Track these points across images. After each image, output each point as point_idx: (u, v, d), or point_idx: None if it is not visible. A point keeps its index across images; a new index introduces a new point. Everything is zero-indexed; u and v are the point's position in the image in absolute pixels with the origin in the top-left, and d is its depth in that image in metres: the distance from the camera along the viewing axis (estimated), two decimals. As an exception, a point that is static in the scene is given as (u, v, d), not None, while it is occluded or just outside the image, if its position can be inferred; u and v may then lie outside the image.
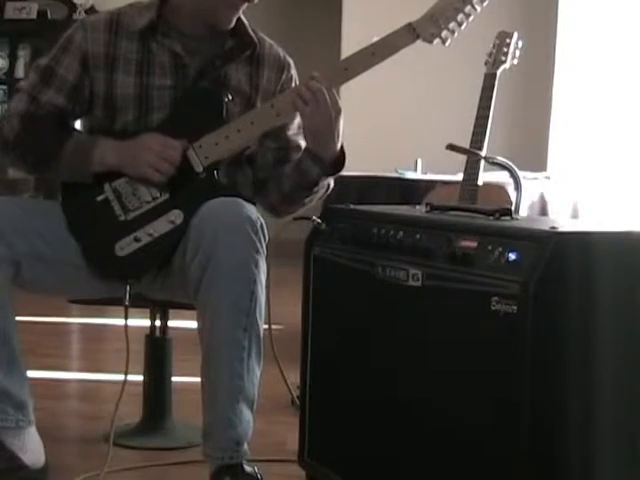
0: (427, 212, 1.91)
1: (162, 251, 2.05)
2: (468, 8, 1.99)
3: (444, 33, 1.99)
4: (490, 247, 1.62)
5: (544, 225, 1.65)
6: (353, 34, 5.48)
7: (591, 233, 1.65)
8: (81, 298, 2.36)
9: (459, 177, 2.78)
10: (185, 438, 2.41)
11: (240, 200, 1.99)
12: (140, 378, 2.46)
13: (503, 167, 2.72)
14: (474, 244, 1.65)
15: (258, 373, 1.98)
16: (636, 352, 1.61)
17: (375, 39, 2.00)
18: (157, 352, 2.49)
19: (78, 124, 2.30)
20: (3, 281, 1.96)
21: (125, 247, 2.04)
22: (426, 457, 1.74)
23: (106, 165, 2.07)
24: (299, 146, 2.18)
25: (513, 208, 2.72)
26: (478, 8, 1.99)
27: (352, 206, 2.05)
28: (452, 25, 1.99)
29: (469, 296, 1.62)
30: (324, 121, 1.98)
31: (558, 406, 1.54)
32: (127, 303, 2.04)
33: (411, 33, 1.99)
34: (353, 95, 5.28)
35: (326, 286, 2.01)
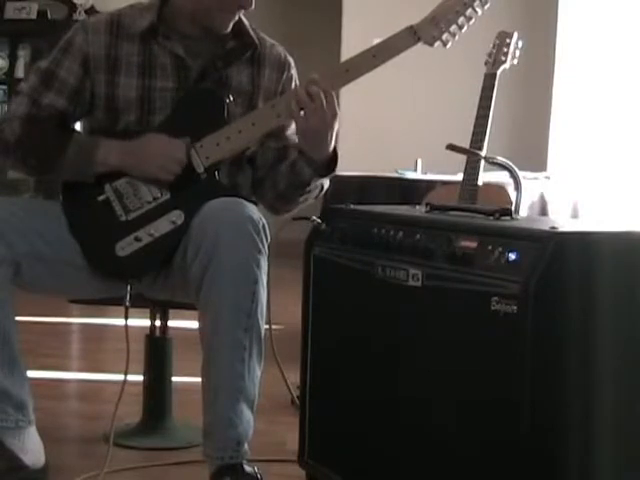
0: (427, 212, 1.91)
1: (163, 251, 2.05)
2: (469, 11, 1.99)
3: (445, 36, 2.00)
4: (490, 247, 1.62)
5: (544, 225, 1.65)
6: (353, 35, 5.48)
7: (591, 233, 1.65)
8: (81, 298, 2.36)
9: (459, 177, 2.78)
10: (185, 438, 2.41)
11: (242, 200, 1.99)
12: (140, 378, 2.46)
13: (503, 167, 2.72)
14: (474, 244, 1.65)
15: (259, 373, 1.99)
16: (636, 352, 1.61)
17: (376, 41, 2.01)
18: (157, 352, 2.49)
19: (78, 126, 2.30)
20: (3, 281, 1.96)
21: (126, 247, 2.04)
22: (426, 457, 1.74)
23: (109, 166, 2.07)
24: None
25: (513, 208, 2.72)
26: (479, 11, 2.00)
27: (352, 206, 2.05)
28: (453, 28, 1.99)
29: (469, 296, 1.62)
30: (319, 125, 1.99)
31: (558, 406, 1.54)
32: (127, 303, 2.05)
33: (412, 36, 1.99)
34: (353, 95, 5.29)
35: (326, 286, 2.01)
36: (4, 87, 6.16)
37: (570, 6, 5.24)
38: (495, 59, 2.73)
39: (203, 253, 1.91)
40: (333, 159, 2.08)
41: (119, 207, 2.07)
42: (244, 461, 1.98)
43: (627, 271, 1.60)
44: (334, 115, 1.99)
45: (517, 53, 2.73)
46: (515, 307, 1.53)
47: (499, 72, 2.72)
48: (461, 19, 1.99)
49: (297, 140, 2.16)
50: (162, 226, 2.04)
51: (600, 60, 5.07)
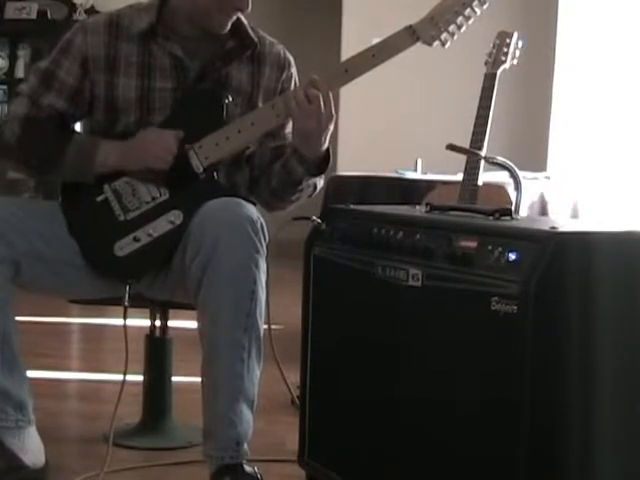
0: (427, 212, 1.91)
1: (161, 251, 2.05)
2: (468, 11, 1.99)
3: (444, 35, 2.00)
4: (490, 247, 1.62)
5: (544, 225, 1.65)
6: (353, 34, 5.49)
7: (591, 233, 1.64)
8: (81, 298, 2.36)
9: (459, 177, 2.78)
10: (185, 438, 2.41)
11: (240, 200, 1.99)
12: (140, 378, 2.46)
13: (503, 167, 2.72)
14: (474, 244, 1.65)
15: (258, 373, 1.99)
16: (636, 352, 1.61)
17: (376, 41, 2.01)
18: (157, 352, 2.49)
19: (78, 126, 2.30)
20: (3, 281, 1.96)
21: (124, 247, 2.04)
22: (426, 457, 1.74)
23: (109, 167, 2.07)
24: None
25: (513, 208, 2.72)
26: (478, 11, 2.00)
27: (352, 206, 2.05)
28: (452, 28, 2.00)
29: (469, 296, 1.62)
30: (315, 126, 1.99)
31: (558, 406, 1.54)
32: (127, 303, 2.05)
33: (411, 35, 2.00)
34: (353, 95, 5.30)
35: (326, 286, 2.01)
36: (4, 87, 6.15)
37: (570, 6, 5.24)
38: (495, 59, 2.73)
39: (202, 253, 1.91)
40: (325, 159, 2.09)
41: (118, 207, 2.07)
42: (244, 461, 1.98)
43: (627, 271, 1.60)
44: (330, 117, 2.00)
45: (517, 53, 2.73)
46: (515, 307, 1.53)
47: (499, 72, 2.71)
48: (460, 19, 1.99)
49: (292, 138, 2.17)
50: (161, 226, 2.04)
51: (600, 60, 5.07)
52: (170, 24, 2.13)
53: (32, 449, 2.06)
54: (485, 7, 2.00)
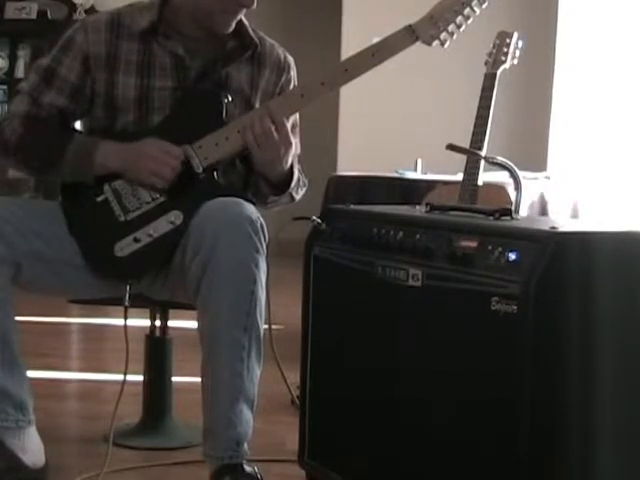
0: (427, 212, 1.91)
1: (162, 251, 2.05)
2: (467, 10, 2.00)
3: (443, 35, 2.00)
4: (490, 247, 1.62)
5: (544, 225, 1.65)
6: (353, 34, 5.49)
7: (591, 233, 1.64)
8: (81, 298, 2.36)
9: (459, 177, 2.78)
10: (185, 438, 2.41)
11: (240, 200, 1.99)
12: (140, 378, 2.46)
13: (503, 167, 2.72)
14: (474, 244, 1.65)
15: (258, 373, 1.99)
16: (636, 352, 1.61)
17: (375, 40, 2.01)
18: (157, 352, 2.49)
19: (78, 124, 2.30)
20: (3, 281, 1.96)
21: (125, 247, 2.04)
22: (426, 457, 1.74)
23: (108, 168, 2.07)
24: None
25: (513, 208, 2.72)
26: (477, 10, 2.00)
27: (352, 206, 2.05)
28: (451, 27, 2.00)
29: (469, 296, 1.62)
30: (272, 156, 2.05)
31: (558, 406, 1.54)
32: (127, 304, 2.05)
33: (410, 35, 2.00)
34: (353, 95, 5.31)
35: (326, 286, 2.01)
36: (4, 87, 6.15)
37: (570, 6, 5.24)
38: (495, 59, 2.73)
39: (202, 253, 1.91)
40: (289, 177, 2.13)
41: (118, 207, 2.07)
42: (244, 461, 1.98)
43: (627, 271, 1.60)
44: (288, 146, 2.05)
45: (517, 53, 2.73)
46: (515, 307, 1.53)
47: (499, 72, 2.72)
48: (459, 18, 2.00)
49: (292, 140, 2.17)
50: (161, 226, 2.04)
51: (600, 60, 5.07)
52: (172, 23, 2.13)
53: (32, 449, 2.06)
54: (484, 6, 2.00)
